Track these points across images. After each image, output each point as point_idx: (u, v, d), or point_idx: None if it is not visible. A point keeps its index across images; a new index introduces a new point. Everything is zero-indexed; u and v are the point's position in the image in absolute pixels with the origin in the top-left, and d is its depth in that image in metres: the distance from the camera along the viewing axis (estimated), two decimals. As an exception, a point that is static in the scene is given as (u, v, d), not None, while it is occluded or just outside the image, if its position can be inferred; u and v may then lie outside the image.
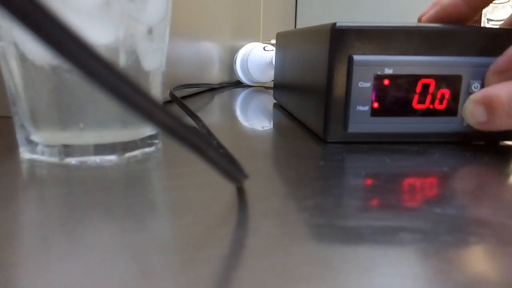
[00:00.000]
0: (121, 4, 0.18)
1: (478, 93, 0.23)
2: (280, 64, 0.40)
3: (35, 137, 0.20)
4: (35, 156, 0.20)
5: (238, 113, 0.38)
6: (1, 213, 0.14)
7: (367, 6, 1.54)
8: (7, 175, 0.18)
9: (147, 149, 0.22)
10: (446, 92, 0.25)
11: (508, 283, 0.11)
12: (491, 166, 0.21)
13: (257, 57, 0.58)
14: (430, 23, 0.25)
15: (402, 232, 0.13)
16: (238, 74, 0.60)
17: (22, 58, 0.18)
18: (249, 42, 0.62)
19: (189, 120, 0.28)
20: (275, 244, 0.12)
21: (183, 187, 0.17)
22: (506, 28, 0.25)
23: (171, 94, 0.35)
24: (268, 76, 0.58)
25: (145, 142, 0.22)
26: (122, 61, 0.19)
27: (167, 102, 0.38)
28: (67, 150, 0.20)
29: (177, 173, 0.19)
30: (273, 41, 0.62)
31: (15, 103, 0.20)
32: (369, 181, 0.18)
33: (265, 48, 0.58)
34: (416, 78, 0.24)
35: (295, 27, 1.53)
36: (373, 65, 0.24)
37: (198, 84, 0.48)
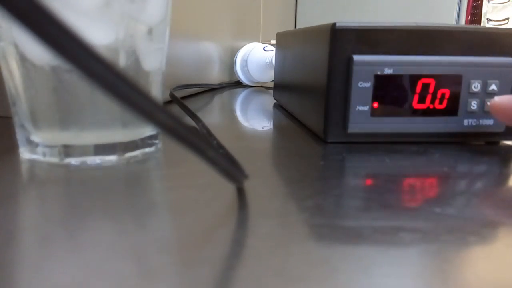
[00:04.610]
0: (121, 4, 0.18)
1: None
2: (280, 64, 0.40)
3: (35, 137, 0.20)
4: (35, 157, 0.20)
5: (238, 113, 0.38)
6: (1, 213, 0.14)
7: (367, 6, 1.54)
8: (7, 175, 0.18)
9: (147, 149, 0.22)
10: (446, 92, 0.25)
11: (508, 283, 0.11)
12: (491, 166, 0.21)
13: (257, 57, 0.58)
14: (431, 24, 0.25)
15: (402, 232, 0.13)
16: (238, 74, 0.60)
17: (22, 58, 0.18)
18: (249, 42, 0.62)
19: (189, 120, 0.28)
20: (275, 244, 0.12)
21: (183, 187, 0.17)
22: (506, 28, 0.25)
23: (171, 94, 0.35)
24: (268, 76, 0.58)
25: (145, 142, 0.22)
26: (122, 61, 0.19)
27: (167, 102, 0.38)
28: (67, 150, 0.20)
29: (177, 173, 0.19)
30: (273, 41, 0.62)
31: (15, 103, 0.20)
32: (369, 181, 0.18)
33: (265, 48, 0.58)
34: (416, 78, 0.24)
35: (295, 27, 1.54)
36: (373, 65, 0.24)
37: (198, 84, 0.48)
